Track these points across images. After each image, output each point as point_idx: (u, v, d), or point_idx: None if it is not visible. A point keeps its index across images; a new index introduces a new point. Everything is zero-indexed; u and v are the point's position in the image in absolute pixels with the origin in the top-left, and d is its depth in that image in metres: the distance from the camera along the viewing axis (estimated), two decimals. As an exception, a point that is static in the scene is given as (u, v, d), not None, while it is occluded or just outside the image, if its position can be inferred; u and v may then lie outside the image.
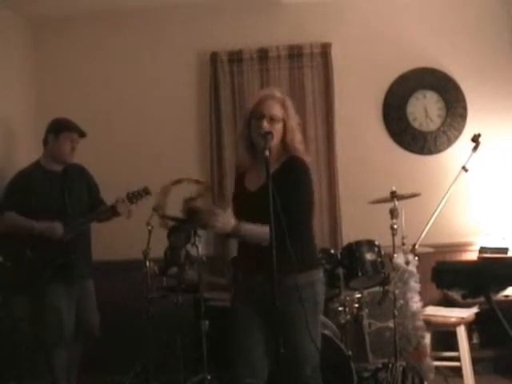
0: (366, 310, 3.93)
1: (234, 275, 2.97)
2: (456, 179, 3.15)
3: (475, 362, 3.93)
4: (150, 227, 3.90)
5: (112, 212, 3.74)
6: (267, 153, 2.45)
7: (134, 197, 3.74)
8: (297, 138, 2.70)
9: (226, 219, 2.53)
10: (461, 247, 4.50)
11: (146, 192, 3.77)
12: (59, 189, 3.70)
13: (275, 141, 2.62)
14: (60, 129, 3.71)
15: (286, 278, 2.47)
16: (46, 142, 3.74)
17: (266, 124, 2.61)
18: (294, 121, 2.70)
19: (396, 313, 3.56)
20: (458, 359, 3.79)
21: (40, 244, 3.53)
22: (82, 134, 3.78)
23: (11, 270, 3.53)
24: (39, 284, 3.54)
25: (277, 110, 2.66)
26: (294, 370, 2.63)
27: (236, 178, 2.88)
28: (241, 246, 2.78)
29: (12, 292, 3.65)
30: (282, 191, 2.42)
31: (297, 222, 2.57)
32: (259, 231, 2.49)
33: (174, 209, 3.07)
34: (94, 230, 3.93)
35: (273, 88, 2.85)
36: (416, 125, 4.62)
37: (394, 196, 3.68)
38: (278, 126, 2.65)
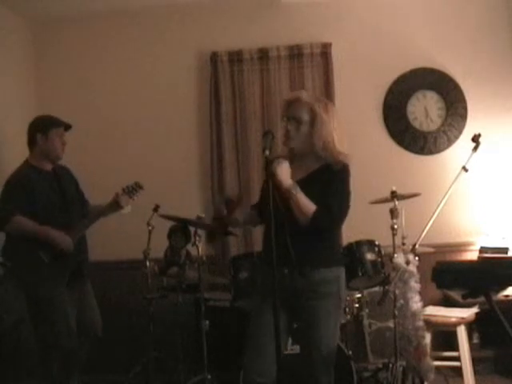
0: (366, 310, 3.94)
1: (256, 271, 2.98)
2: (456, 179, 3.14)
3: (475, 362, 3.93)
4: (150, 227, 3.90)
5: (115, 206, 3.70)
6: (267, 152, 2.47)
7: (130, 191, 3.71)
8: (328, 142, 2.69)
9: (288, 173, 2.61)
10: (461, 247, 4.51)
11: (138, 186, 3.74)
12: (57, 187, 3.64)
13: (298, 143, 2.70)
14: (47, 126, 3.59)
15: (314, 271, 2.60)
16: (33, 142, 3.60)
17: (285, 125, 2.70)
18: (325, 126, 2.68)
19: (396, 313, 3.56)
20: (458, 359, 3.79)
21: (51, 245, 3.47)
22: (68, 127, 3.70)
23: (22, 271, 3.50)
24: (59, 287, 3.47)
25: (301, 113, 2.68)
26: (310, 365, 2.65)
27: None
28: (266, 240, 2.74)
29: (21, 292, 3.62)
30: (319, 189, 2.61)
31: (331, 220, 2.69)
32: (308, 202, 2.60)
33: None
34: (95, 230, 3.92)
35: (303, 91, 2.87)
36: (416, 125, 4.62)
37: (394, 196, 3.68)
38: (304, 128, 2.68)
